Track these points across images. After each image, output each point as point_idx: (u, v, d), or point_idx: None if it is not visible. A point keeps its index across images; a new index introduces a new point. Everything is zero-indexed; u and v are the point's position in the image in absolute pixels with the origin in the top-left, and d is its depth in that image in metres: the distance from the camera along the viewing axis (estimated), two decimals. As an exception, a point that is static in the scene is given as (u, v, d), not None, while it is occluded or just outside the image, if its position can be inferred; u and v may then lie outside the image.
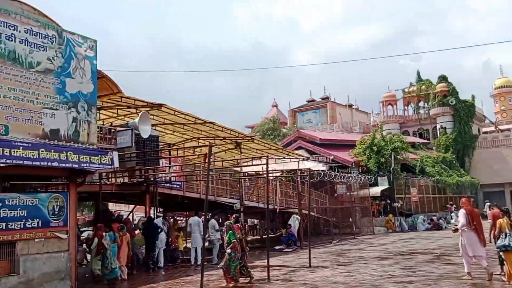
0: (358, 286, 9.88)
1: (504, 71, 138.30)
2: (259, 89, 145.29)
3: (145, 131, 12.28)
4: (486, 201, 39.93)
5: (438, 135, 49.05)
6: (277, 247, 19.78)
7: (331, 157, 32.57)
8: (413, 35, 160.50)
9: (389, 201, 30.79)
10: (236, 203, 20.42)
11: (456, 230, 10.68)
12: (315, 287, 10.14)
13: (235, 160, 17.72)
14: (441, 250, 16.78)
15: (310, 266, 13.30)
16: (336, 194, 30.94)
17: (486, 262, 10.27)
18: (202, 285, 9.49)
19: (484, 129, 54.99)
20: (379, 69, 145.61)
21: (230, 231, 10.94)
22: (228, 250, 10.76)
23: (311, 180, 24.93)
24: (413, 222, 30.39)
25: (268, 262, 11.65)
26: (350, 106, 68.15)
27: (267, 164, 12.61)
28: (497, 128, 52.91)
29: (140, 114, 12.60)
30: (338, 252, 17.56)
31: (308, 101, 68.04)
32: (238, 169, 19.54)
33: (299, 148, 33.99)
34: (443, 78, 49.67)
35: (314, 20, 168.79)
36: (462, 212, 10.51)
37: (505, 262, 9.73)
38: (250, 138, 18.90)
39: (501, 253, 9.83)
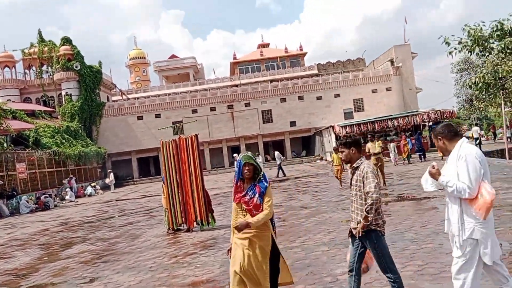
0: None
1: (138, 42, 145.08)
2: None
3: None
4: (109, 171, 38.73)
5: (64, 102, 45.00)
6: None
7: None
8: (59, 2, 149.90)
9: (-17, 182, 24.71)
10: None
11: None
12: None
13: None
14: None
15: None
16: None
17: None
18: None
19: (115, 98, 54.38)
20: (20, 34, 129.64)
21: None
22: None
23: None
24: (18, 204, 25.45)
25: None
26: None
27: None
28: (123, 97, 52.95)
29: None
30: None
31: None
32: None
33: None
34: (66, 40, 45.43)
35: None
36: None
37: None
38: None
39: None
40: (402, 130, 35.00)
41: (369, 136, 17.98)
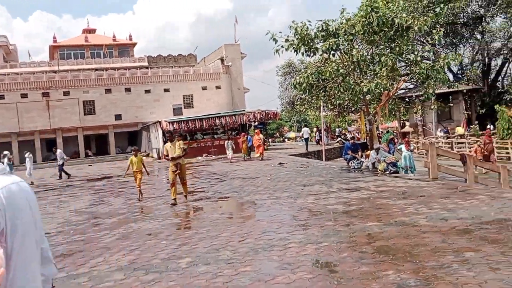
0: None
1: None
2: None
3: None
4: None
5: None
6: None
7: None
8: None
9: None
10: None
11: None
12: None
13: None
14: None
15: None
16: None
17: None
18: None
19: None
20: None
21: None
22: None
23: None
24: None
25: None
26: None
27: None
28: None
29: None
30: None
31: None
32: None
33: None
34: None
35: None
36: None
37: None
38: None
39: None
40: (230, 129, 35.13)
41: (167, 135, 12.13)
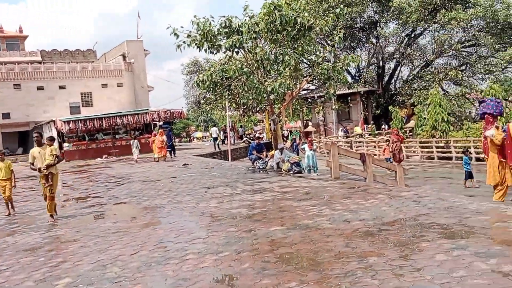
0: None
1: None
2: None
3: None
4: None
5: None
6: None
7: None
8: None
9: None
10: None
11: None
12: None
13: None
14: None
15: None
16: None
17: None
18: None
19: None
20: None
21: None
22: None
23: None
24: None
25: None
26: None
27: None
28: None
29: None
30: None
31: None
32: None
33: None
34: None
35: None
36: None
37: None
38: None
39: None
40: (132, 129, 33.59)
41: (35, 135, 9.75)
